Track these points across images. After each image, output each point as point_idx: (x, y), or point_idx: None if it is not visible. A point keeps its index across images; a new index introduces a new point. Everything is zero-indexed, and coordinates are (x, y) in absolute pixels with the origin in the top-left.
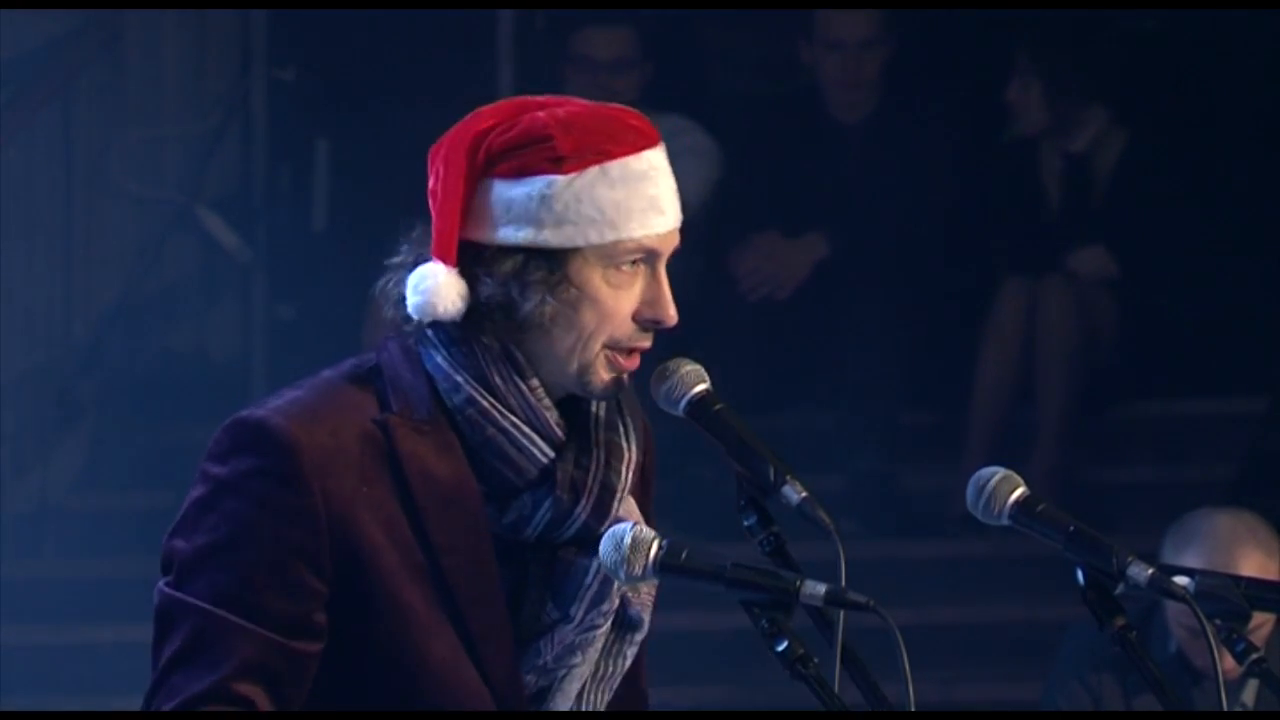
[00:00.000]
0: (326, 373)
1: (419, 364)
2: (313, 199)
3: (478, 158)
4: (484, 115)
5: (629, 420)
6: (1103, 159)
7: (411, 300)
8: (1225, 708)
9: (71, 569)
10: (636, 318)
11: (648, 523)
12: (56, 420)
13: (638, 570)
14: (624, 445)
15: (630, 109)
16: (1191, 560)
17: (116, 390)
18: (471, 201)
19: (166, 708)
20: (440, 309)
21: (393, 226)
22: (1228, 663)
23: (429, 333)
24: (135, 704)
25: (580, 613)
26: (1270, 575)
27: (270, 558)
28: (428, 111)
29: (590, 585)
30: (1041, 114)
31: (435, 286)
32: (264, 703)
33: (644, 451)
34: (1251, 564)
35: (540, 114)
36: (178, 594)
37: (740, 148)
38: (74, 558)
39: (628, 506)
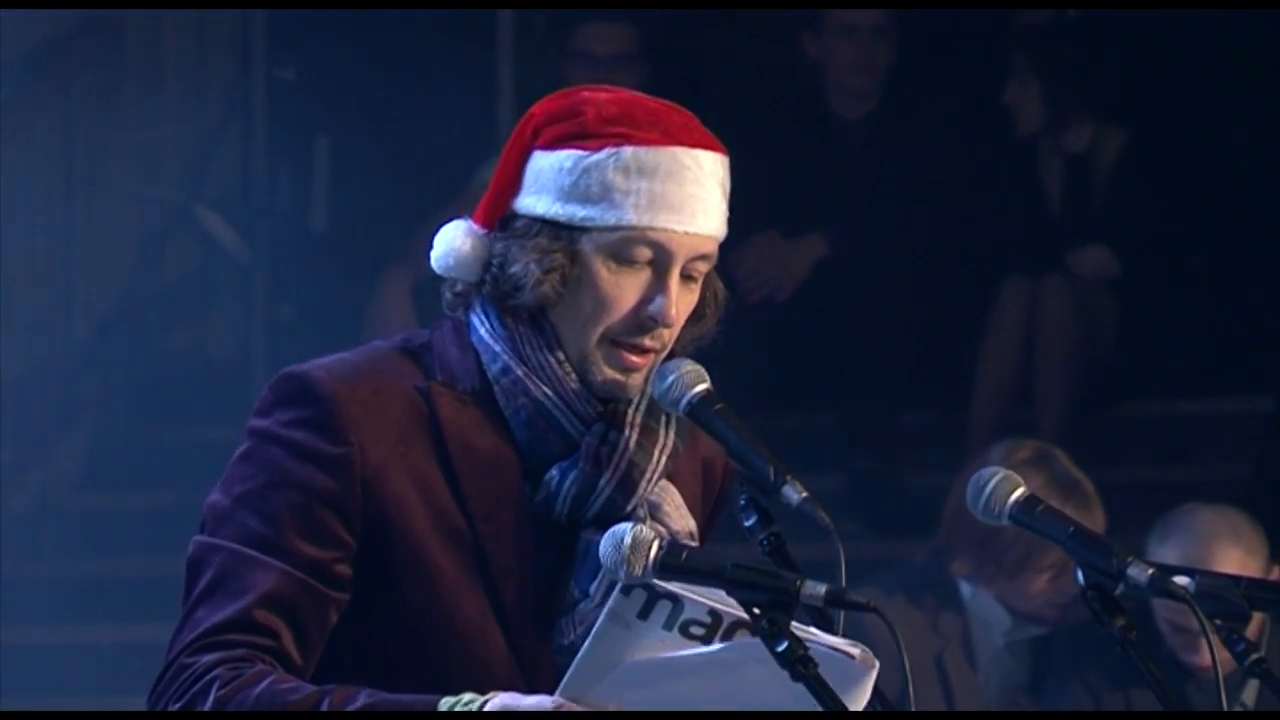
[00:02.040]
0: (378, 341)
1: (467, 339)
2: (312, 199)
3: (527, 130)
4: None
5: (671, 413)
6: (1102, 159)
7: (434, 254)
8: (1226, 706)
9: (71, 569)
10: (636, 314)
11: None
12: (57, 420)
13: (637, 570)
14: (660, 430)
15: (683, 109)
16: (1170, 554)
17: (117, 390)
18: (519, 172)
19: (190, 638)
20: (453, 260)
21: (393, 226)
22: (1208, 658)
23: (476, 307)
24: (135, 704)
25: (600, 592)
26: (1250, 573)
27: (300, 502)
28: (428, 110)
29: None
30: (1040, 115)
31: (451, 238)
32: (285, 634)
33: (717, 481)
34: (1231, 560)
35: (586, 93)
36: (208, 539)
37: (739, 147)
38: (74, 558)
39: (667, 494)
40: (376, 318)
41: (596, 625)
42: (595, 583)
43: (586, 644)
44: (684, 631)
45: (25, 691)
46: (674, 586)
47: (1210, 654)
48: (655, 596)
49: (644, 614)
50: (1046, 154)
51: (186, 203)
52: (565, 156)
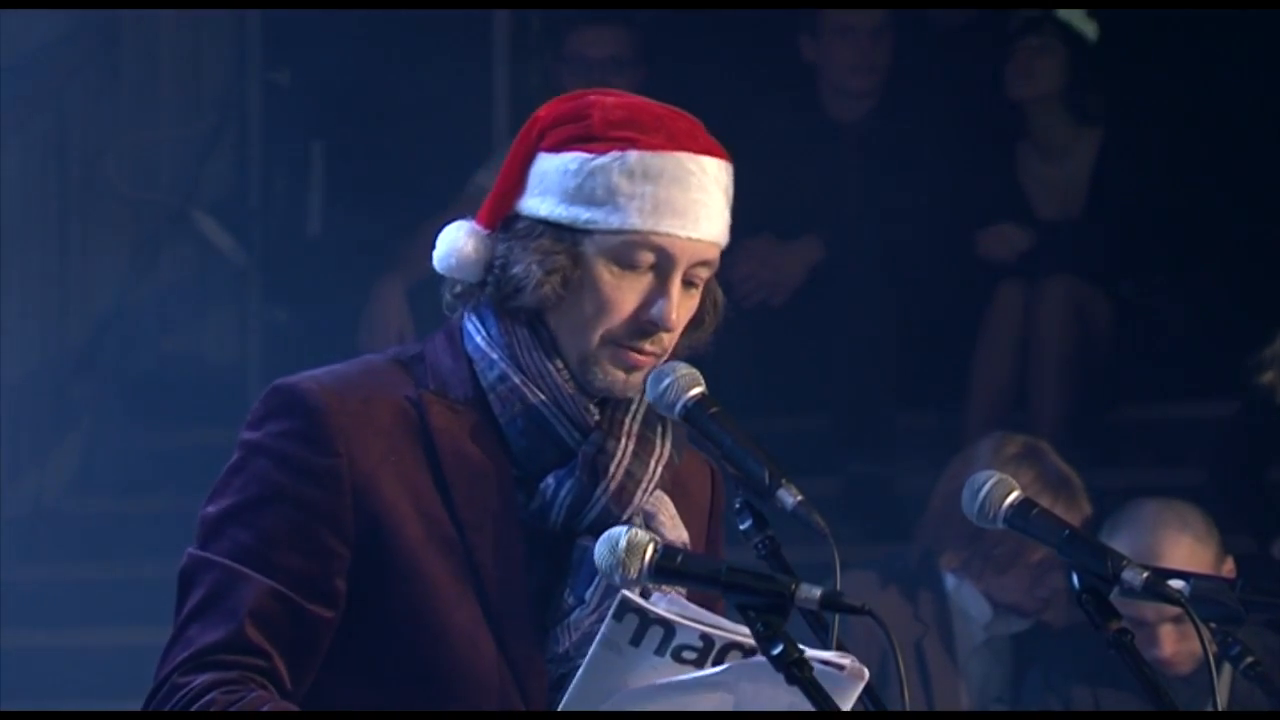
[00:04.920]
0: (371, 355)
1: (460, 348)
2: (307, 202)
3: (533, 131)
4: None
5: (669, 422)
6: (1089, 164)
7: (436, 254)
8: (1217, 706)
9: (67, 572)
10: (636, 318)
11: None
12: (52, 424)
13: (633, 573)
14: (656, 441)
15: (688, 115)
16: (1120, 549)
17: (112, 394)
18: (523, 174)
19: (182, 657)
20: (455, 260)
21: (388, 230)
22: (1173, 653)
23: (473, 314)
24: (132, 707)
25: (596, 598)
26: (1202, 562)
27: (292, 517)
28: (423, 114)
29: None
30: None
31: (454, 238)
32: (276, 656)
33: (711, 493)
34: (1181, 548)
35: (593, 96)
36: (200, 553)
37: (734, 150)
38: (69, 561)
39: (662, 504)
40: (372, 322)
41: (589, 653)
42: (591, 589)
43: (580, 672)
44: (676, 656)
45: (21, 695)
46: (665, 611)
47: (1206, 656)
48: (647, 622)
49: (636, 640)
50: (1034, 158)
51: (182, 206)
52: (570, 159)
